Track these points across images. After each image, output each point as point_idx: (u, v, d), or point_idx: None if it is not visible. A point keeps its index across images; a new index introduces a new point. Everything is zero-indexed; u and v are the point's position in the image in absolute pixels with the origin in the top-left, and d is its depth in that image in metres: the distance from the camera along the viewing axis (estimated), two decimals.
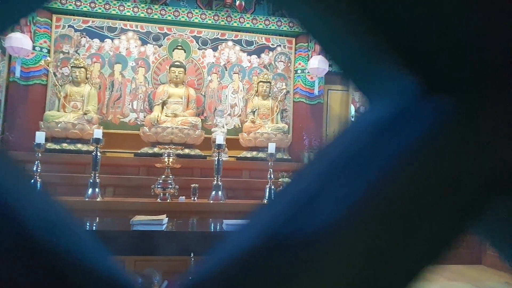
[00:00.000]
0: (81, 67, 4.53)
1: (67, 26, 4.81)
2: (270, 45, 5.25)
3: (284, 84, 5.21)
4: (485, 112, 0.23)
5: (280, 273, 0.22)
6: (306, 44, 5.18)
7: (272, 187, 3.72)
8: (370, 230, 0.22)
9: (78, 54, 4.78)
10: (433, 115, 0.23)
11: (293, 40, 5.29)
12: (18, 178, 0.26)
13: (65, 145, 4.13)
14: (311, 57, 4.91)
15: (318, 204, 0.22)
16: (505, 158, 0.24)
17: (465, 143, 0.23)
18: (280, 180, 3.75)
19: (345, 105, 5.46)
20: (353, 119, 0.26)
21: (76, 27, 4.83)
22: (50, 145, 4.02)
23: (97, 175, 3.40)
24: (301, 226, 0.22)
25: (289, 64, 5.28)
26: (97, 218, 2.85)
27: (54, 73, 4.66)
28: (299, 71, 5.21)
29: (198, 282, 0.23)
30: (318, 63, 4.62)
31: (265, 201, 3.67)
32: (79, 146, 4.16)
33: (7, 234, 0.22)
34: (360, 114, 0.26)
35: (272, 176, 3.74)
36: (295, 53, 5.28)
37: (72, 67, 4.54)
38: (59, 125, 4.13)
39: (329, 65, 4.88)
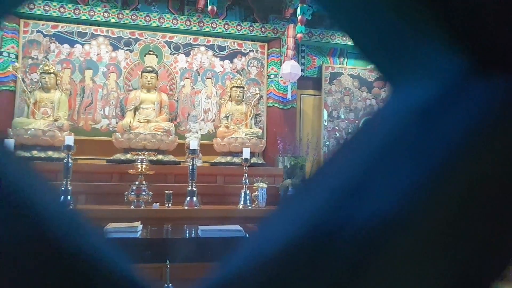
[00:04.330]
0: (51, 73, 4.44)
1: (35, 31, 4.71)
2: (243, 50, 5.28)
3: (257, 89, 5.24)
4: None
5: (326, 274, 0.19)
6: (279, 49, 5.23)
7: (247, 192, 3.73)
8: (437, 220, 0.19)
9: (48, 59, 4.68)
10: (488, 95, 0.20)
11: (266, 45, 5.33)
12: (34, 180, 0.25)
13: (35, 153, 4.03)
14: (284, 62, 4.95)
15: (369, 191, 0.20)
16: None
17: None
18: (255, 185, 3.76)
19: (317, 109, 5.53)
20: (383, 104, 0.23)
21: (45, 32, 4.73)
22: (19, 153, 3.92)
23: (68, 182, 3.34)
24: (350, 216, 0.20)
25: (262, 69, 5.31)
26: None
27: (23, 79, 4.54)
28: (272, 76, 5.25)
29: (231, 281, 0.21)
30: (290, 68, 4.65)
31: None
32: (50, 153, 4.07)
33: (27, 235, 0.21)
34: (391, 98, 0.23)
35: (247, 181, 3.74)
36: (268, 58, 5.31)
37: (41, 73, 4.43)
38: (28, 132, 4.03)
39: (301, 70, 4.92)
